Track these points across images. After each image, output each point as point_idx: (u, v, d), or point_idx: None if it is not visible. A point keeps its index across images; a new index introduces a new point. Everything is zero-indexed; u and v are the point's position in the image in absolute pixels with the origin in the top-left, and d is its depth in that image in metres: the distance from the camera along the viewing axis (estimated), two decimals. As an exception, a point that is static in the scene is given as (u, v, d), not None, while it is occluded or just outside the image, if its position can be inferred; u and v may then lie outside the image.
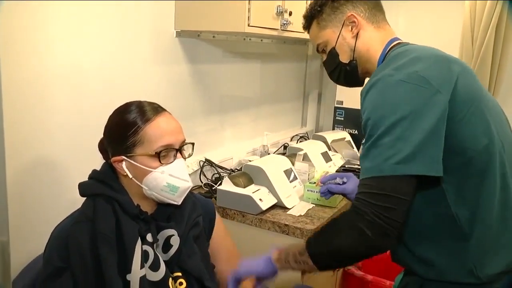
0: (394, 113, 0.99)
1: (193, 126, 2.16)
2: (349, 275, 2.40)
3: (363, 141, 1.10)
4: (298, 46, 2.93)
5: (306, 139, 2.93)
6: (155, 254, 1.16)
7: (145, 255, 1.14)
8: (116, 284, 1.08)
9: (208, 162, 2.20)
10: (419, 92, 1.01)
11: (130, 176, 1.16)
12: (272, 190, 1.92)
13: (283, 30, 1.99)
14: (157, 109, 1.19)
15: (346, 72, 1.31)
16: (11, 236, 0.81)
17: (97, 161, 1.26)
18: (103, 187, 1.17)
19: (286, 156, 2.26)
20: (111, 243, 1.11)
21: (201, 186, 2.15)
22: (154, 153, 1.14)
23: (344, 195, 1.51)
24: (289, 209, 1.91)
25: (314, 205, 1.96)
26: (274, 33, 1.97)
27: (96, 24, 1.59)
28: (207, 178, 2.20)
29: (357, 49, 1.27)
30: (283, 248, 1.17)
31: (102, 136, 1.23)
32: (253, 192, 1.86)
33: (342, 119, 3.08)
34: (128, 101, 1.22)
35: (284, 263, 1.14)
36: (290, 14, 1.97)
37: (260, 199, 1.85)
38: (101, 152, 1.24)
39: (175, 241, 1.19)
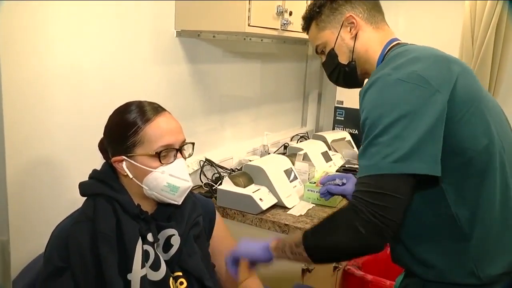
0: (393, 112, 0.99)
1: (193, 126, 2.16)
2: (349, 275, 2.40)
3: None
4: (298, 46, 2.94)
5: (306, 139, 2.93)
6: (155, 253, 1.16)
7: (145, 254, 1.14)
8: (117, 284, 1.08)
9: (208, 162, 2.20)
10: (418, 92, 1.00)
11: (131, 176, 1.16)
12: (272, 190, 1.92)
13: (283, 30, 1.99)
14: (157, 109, 1.19)
15: (345, 73, 1.31)
16: (11, 235, 0.81)
17: (97, 161, 1.26)
18: (103, 187, 1.17)
19: (286, 156, 2.26)
20: (111, 243, 1.11)
21: (201, 186, 2.15)
22: (154, 153, 1.14)
23: (344, 196, 1.51)
24: (289, 209, 1.91)
25: (314, 205, 1.96)
26: (274, 33, 1.97)
27: (96, 24, 1.59)
28: (207, 178, 2.20)
29: (356, 50, 1.27)
30: (281, 238, 1.18)
31: (102, 136, 1.23)
32: (253, 192, 1.87)
33: (342, 119, 3.09)
34: (128, 101, 1.22)
35: (280, 252, 1.15)
36: (291, 14, 1.97)
37: (260, 199, 1.85)
38: (101, 152, 1.24)
39: (176, 241, 1.19)
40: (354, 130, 3.03)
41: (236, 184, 1.89)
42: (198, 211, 1.30)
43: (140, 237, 1.14)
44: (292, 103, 3.12)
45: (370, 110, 1.04)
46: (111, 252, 1.10)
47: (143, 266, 1.12)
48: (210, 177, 2.21)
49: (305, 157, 2.32)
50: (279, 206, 1.92)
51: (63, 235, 1.14)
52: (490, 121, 1.08)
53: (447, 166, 1.02)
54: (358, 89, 1.19)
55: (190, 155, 1.25)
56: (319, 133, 2.88)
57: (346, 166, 2.46)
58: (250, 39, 2.38)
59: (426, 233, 1.12)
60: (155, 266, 1.15)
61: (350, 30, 1.27)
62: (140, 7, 1.76)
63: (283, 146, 2.72)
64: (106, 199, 1.15)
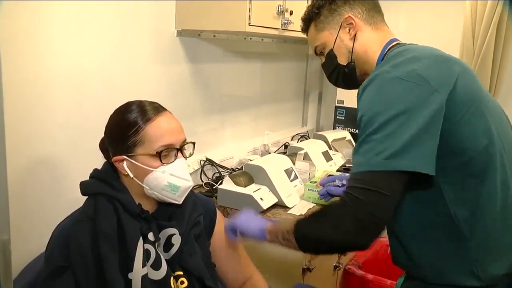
0: (389, 110, 0.98)
1: (193, 125, 2.16)
2: (350, 274, 2.41)
3: None
4: (298, 46, 2.93)
5: (306, 139, 2.93)
6: (156, 253, 1.16)
7: (146, 254, 1.14)
8: (118, 283, 1.08)
9: (209, 161, 2.21)
10: (416, 91, 1.00)
11: (131, 175, 1.16)
12: (273, 189, 1.92)
13: (283, 29, 1.99)
14: (158, 109, 1.19)
15: (344, 74, 1.31)
16: (12, 235, 0.81)
17: (98, 161, 1.26)
18: (104, 186, 1.17)
19: (287, 155, 2.26)
20: (112, 242, 1.11)
21: (202, 185, 2.15)
22: (155, 153, 1.14)
23: None
24: (290, 208, 1.91)
25: (314, 205, 1.96)
26: (275, 32, 1.97)
27: (96, 24, 1.59)
28: (208, 178, 2.20)
29: (355, 51, 1.26)
30: (277, 223, 1.20)
31: (102, 135, 1.23)
32: (253, 191, 1.87)
33: (343, 118, 3.09)
34: (128, 101, 1.22)
35: (274, 237, 1.16)
36: (291, 13, 1.97)
37: (261, 198, 1.85)
38: (102, 152, 1.25)
39: (176, 240, 1.19)
40: (354, 129, 3.03)
41: (236, 183, 1.89)
42: (199, 210, 1.30)
43: (141, 236, 1.14)
44: (292, 102, 3.12)
45: (367, 107, 1.03)
46: (112, 251, 1.10)
47: (144, 265, 1.12)
48: (210, 177, 2.21)
49: (306, 157, 2.32)
50: (279, 205, 1.92)
51: (63, 234, 1.14)
52: (490, 121, 1.08)
53: (446, 166, 1.02)
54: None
55: (190, 155, 1.26)
56: (320, 133, 2.88)
57: (347, 165, 2.46)
58: (250, 38, 2.38)
59: (425, 234, 1.12)
60: (156, 265, 1.15)
61: (349, 31, 1.26)
62: (140, 6, 1.76)
63: (283, 146, 2.72)
64: (107, 198, 1.16)
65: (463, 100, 1.03)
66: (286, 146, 2.66)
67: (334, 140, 2.76)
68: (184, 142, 1.20)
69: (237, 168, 2.31)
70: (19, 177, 1.41)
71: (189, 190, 1.21)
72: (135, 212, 1.16)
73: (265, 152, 2.57)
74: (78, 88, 1.55)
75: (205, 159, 2.19)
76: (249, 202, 1.83)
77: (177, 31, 1.95)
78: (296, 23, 1.99)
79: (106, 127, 1.21)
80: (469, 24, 2.58)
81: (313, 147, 2.46)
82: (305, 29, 1.37)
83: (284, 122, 3.03)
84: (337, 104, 3.10)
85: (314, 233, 1.06)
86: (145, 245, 1.14)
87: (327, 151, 2.52)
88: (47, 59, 1.44)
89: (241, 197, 1.85)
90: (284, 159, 2.12)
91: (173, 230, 1.20)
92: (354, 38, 1.26)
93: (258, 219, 1.25)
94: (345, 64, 1.29)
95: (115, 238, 1.12)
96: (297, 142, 2.80)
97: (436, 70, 1.05)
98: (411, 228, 1.12)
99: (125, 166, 1.16)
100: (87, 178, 1.22)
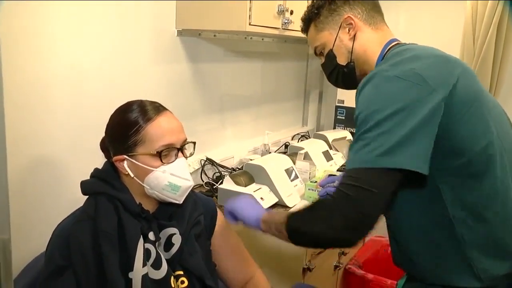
0: (385, 109, 0.98)
1: (194, 125, 2.16)
2: (350, 274, 2.41)
3: None
4: (299, 45, 2.93)
5: (307, 138, 2.93)
6: (157, 252, 1.16)
7: (147, 253, 1.14)
8: (118, 282, 1.08)
9: (209, 161, 2.21)
10: (414, 90, 0.99)
11: (132, 175, 1.16)
12: (273, 189, 1.92)
13: (284, 29, 1.99)
14: (159, 108, 1.19)
15: (343, 74, 1.30)
16: (12, 234, 0.81)
17: (98, 161, 1.26)
18: (105, 186, 1.17)
19: (287, 155, 2.26)
20: (113, 241, 1.11)
21: (202, 185, 2.15)
22: (155, 153, 1.14)
23: None
24: (290, 208, 1.91)
25: (315, 204, 1.96)
26: (275, 32, 1.97)
27: (96, 24, 1.59)
28: (208, 177, 2.20)
29: (355, 51, 1.26)
30: (272, 213, 1.20)
31: (103, 135, 1.23)
32: (254, 191, 1.87)
33: (343, 118, 3.08)
34: (129, 100, 1.22)
35: (268, 227, 1.17)
36: (291, 13, 1.97)
37: (261, 198, 1.85)
38: (102, 151, 1.25)
39: (177, 240, 1.19)
40: (355, 129, 3.03)
41: (237, 183, 1.89)
42: (199, 210, 1.30)
43: (141, 236, 1.14)
44: (293, 102, 3.12)
45: (364, 105, 1.03)
46: (113, 251, 1.10)
47: (144, 264, 1.12)
48: (211, 176, 2.21)
49: (306, 156, 2.32)
50: (280, 205, 1.92)
51: (64, 234, 1.14)
52: (490, 121, 1.08)
53: (445, 167, 1.02)
54: (359, 88, 1.18)
55: (191, 154, 1.26)
56: (320, 132, 2.88)
57: (347, 165, 2.45)
58: (251, 38, 2.38)
59: (425, 235, 1.11)
60: (157, 265, 1.15)
61: (349, 31, 1.26)
62: (141, 6, 1.76)
63: (284, 145, 2.72)
64: (107, 198, 1.16)
65: (463, 100, 1.03)
66: (286, 146, 2.66)
67: (334, 140, 2.76)
68: (185, 142, 1.20)
69: (237, 167, 2.31)
70: (19, 177, 1.41)
71: (189, 189, 1.21)
72: (135, 212, 1.16)
73: (266, 151, 2.57)
74: (78, 88, 1.55)
75: (205, 159, 2.19)
76: (250, 201, 1.83)
77: (177, 30, 1.95)
78: (297, 23, 1.99)
79: (107, 126, 1.21)
80: (469, 23, 2.58)
81: (314, 146, 2.46)
82: (305, 29, 1.37)
83: (284, 122, 3.03)
84: (337, 104, 3.10)
85: (304, 228, 1.06)
86: (145, 244, 1.14)
87: (327, 150, 2.52)
88: (47, 59, 1.44)
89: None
90: (284, 159, 2.12)
91: (173, 230, 1.20)
92: (353, 38, 1.26)
93: (256, 207, 1.25)
94: (344, 64, 1.29)
95: (116, 238, 1.12)
96: (298, 141, 2.80)
97: (436, 70, 1.04)
98: (410, 229, 1.12)
99: (125, 165, 1.16)
100: (87, 178, 1.22)
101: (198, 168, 2.17)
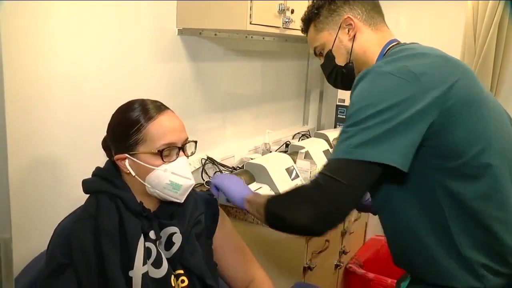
0: (374, 106, 0.98)
1: (194, 124, 2.16)
2: (350, 273, 2.41)
3: None
4: (300, 44, 2.93)
5: (307, 137, 2.93)
6: (157, 251, 1.16)
7: (147, 252, 1.14)
8: (119, 281, 1.08)
9: (210, 160, 2.21)
10: (405, 87, 0.99)
11: (133, 174, 1.16)
12: (274, 188, 1.92)
13: (285, 28, 1.99)
14: (160, 107, 1.19)
15: (342, 75, 1.30)
16: (13, 234, 0.81)
17: (99, 160, 1.26)
18: (106, 185, 1.18)
19: (288, 154, 2.26)
20: (114, 240, 1.11)
21: (203, 184, 2.15)
22: (156, 151, 1.14)
23: None
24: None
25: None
26: (276, 31, 1.97)
27: (96, 23, 1.59)
28: (209, 176, 2.20)
29: (354, 52, 1.26)
30: (256, 195, 1.23)
31: (104, 135, 1.23)
32: (255, 190, 1.86)
33: (344, 117, 3.07)
34: (131, 99, 1.22)
35: (250, 208, 1.20)
36: (292, 12, 1.97)
37: (262, 197, 1.84)
38: (104, 150, 1.25)
39: (177, 239, 1.19)
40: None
41: (237, 182, 1.89)
42: (200, 209, 1.30)
43: (142, 235, 1.14)
44: (293, 101, 3.11)
45: (356, 100, 1.04)
46: (114, 249, 1.10)
47: (144, 263, 1.12)
48: (211, 175, 2.21)
49: (307, 155, 2.32)
50: (280, 204, 1.92)
51: (65, 232, 1.14)
52: (490, 122, 1.07)
53: (442, 167, 1.02)
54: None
55: (192, 153, 1.26)
56: (321, 131, 2.88)
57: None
58: (251, 37, 2.38)
59: (423, 236, 1.10)
60: (157, 264, 1.15)
61: (348, 31, 1.26)
62: (141, 5, 1.76)
63: (284, 144, 2.72)
64: (109, 196, 1.16)
65: (463, 101, 1.02)
66: (287, 145, 2.66)
67: (335, 139, 2.75)
68: (186, 141, 1.21)
69: (238, 166, 2.31)
70: (20, 177, 1.41)
71: (190, 188, 1.21)
72: (136, 211, 1.16)
73: (266, 150, 2.57)
74: (78, 88, 1.55)
75: (206, 158, 2.19)
76: (250, 201, 1.83)
77: (178, 29, 1.95)
78: (297, 22, 1.98)
79: (109, 125, 1.21)
80: (470, 23, 2.58)
81: (314, 145, 2.46)
82: (305, 30, 1.37)
83: (285, 121, 3.03)
84: (338, 103, 3.10)
85: (279, 213, 1.08)
86: (146, 243, 1.14)
87: (328, 149, 2.52)
88: (47, 59, 1.44)
89: (242, 196, 1.85)
90: (285, 158, 2.12)
91: (174, 229, 1.20)
92: (353, 39, 1.25)
93: (243, 187, 1.28)
94: (343, 65, 1.28)
95: (117, 236, 1.12)
96: (298, 140, 2.80)
97: (432, 70, 1.03)
98: (409, 230, 1.11)
99: (127, 164, 1.16)
100: (87, 177, 1.22)
101: (199, 167, 2.17)
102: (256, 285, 1.37)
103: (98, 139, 1.25)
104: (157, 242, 1.17)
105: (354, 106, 1.02)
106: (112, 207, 1.14)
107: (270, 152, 2.51)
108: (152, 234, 1.16)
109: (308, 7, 1.34)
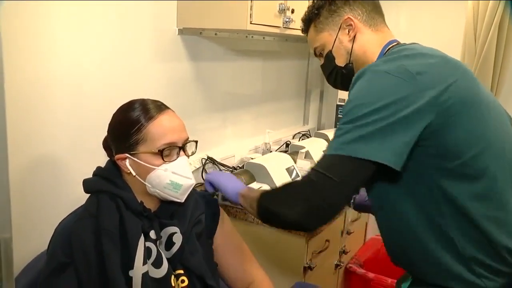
0: (370, 104, 0.98)
1: (195, 123, 2.16)
2: (351, 273, 2.41)
3: None
4: (300, 44, 2.93)
5: (308, 137, 2.93)
6: (158, 251, 1.16)
7: (148, 251, 1.14)
8: (119, 280, 1.09)
9: (210, 159, 2.20)
10: (401, 86, 0.99)
11: (134, 173, 1.16)
12: (274, 188, 1.92)
13: (285, 27, 1.99)
14: (161, 107, 1.19)
15: (342, 76, 1.30)
16: (13, 234, 0.81)
17: (99, 160, 1.26)
18: (107, 184, 1.18)
19: (288, 153, 2.26)
20: (114, 239, 1.11)
21: (203, 183, 2.14)
22: (157, 151, 1.14)
23: None
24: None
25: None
26: (276, 30, 1.97)
27: (97, 23, 1.59)
28: (209, 176, 2.19)
29: (354, 52, 1.26)
30: (250, 190, 1.24)
31: (104, 134, 1.23)
32: (255, 190, 1.86)
33: (344, 117, 3.08)
34: (131, 99, 1.22)
35: (244, 202, 1.20)
36: (293, 11, 1.97)
37: (262, 197, 1.84)
38: (105, 149, 1.25)
39: (178, 239, 1.19)
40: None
41: (238, 182, 1.89)
42: (201, 209, 1.30)
43: (142, 234, 1.14)
44: (294, 101, 3.11)
45: (352, 99, 1.04)
46: (114, 249, 1.11)
47: (145, 263, 1.12)
48: (211, 175, 2.21)
49: (307, 155, 2.32)
50: (281, 204, 1.91)
51: (66, 231, 1.14)
52: (490, 123, 1.07)
53: (441, 168, 1.02)
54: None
55: (193, 153, 1.26)
56: (321, 131, 2.88)
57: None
58: (252, 37, 2.38)
59: (422, 236, 1.09)
60: (157, 263, 1.15)
61: (348, 32, 1.25)
62: (141, 5, 1.75)
63: (285, 144, 2.72)
64: (109, 196, 1.16)
65: (462, 101, 1.02)
66: (287, 145, 2.66)
67: (335, 139, 2.76)
68: (187, 141, 1.21)
69: (238, 166, 2.31)
70: (20, 176, 1.41)
71: (191, 188, 1.21)
72: (137, 210, 1.16)
73: (267, 150, 2.57)
74: (78, 88, 1.55)
75: (206, 158, 2.19)
76: (251, 200, 1.83)
77: (178, 29, 1.95)
78: (298, 22, 1.98)
79: (109, 125, 1.21)
80: (471, 23, 2.58)
81: (315, 145, 2.46)
82: (305, 30, 1.37)
83: (285, 121, 3.03)
84: (338, 103, 3.09)
85: (271, 207, 1.09)
86: (146, 243, 1.14)
87: (328, 149, 2.52)
88: (47, 59, 1.44)
89: (242, 195, 1.85)
90: (285, 158, 2.12)
91: (174, 229, 1.20)
92: (353, 39, 1.25)
93: (237, 183, 1.29)
94: (343, 66, 1.28)
95: (117, 236, 1.12)
96: (299, 140, 2.80)
97: (431, 70, 1.03)
98: (408, 230, 1.11)
99: (127, 164, 1.16)
100: (87, 177, 1.22)
101: (199, 167, 2.17)
102: (256, 287, 1.37)
103: (98, 139, 1.25)
104: (158, 242, 1.17)
105: (350, 104, 1.02)
106: (112, 207, 1.14)
107: (271, 152, 2.51)
108: (152, 234, 1.16)
109: (308, 7, 1.34)
